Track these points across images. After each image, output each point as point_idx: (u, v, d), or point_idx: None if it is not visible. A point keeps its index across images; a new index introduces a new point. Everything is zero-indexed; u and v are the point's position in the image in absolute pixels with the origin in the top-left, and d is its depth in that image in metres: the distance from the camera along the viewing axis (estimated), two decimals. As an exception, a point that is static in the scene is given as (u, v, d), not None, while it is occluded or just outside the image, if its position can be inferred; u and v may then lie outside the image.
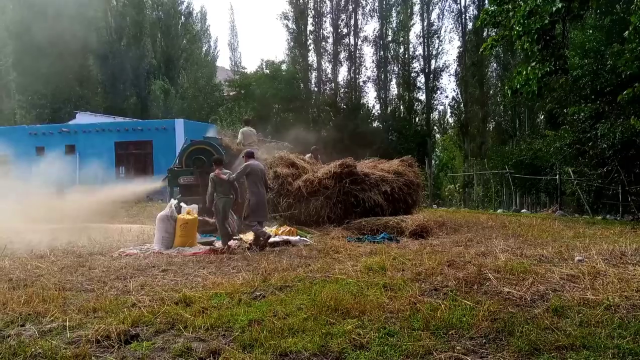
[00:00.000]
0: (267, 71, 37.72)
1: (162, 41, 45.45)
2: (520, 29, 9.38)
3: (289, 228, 10.34)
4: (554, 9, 8.66)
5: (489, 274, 6.02)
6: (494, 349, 3.90)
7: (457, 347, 3.92)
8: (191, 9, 49.64)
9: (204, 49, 50.12)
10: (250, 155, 9.50)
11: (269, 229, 10.27)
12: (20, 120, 36.63)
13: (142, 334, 4.33)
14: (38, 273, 6.82)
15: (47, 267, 7.23)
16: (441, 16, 40.05)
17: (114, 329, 4.27)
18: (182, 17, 48.19)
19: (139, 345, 4.10)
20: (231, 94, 39.87)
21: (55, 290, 5.68)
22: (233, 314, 4.78)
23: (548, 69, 9.42)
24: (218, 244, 9.25)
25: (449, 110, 41.84)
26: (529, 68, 9.62)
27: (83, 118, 28.78)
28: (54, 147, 25.56)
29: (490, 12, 10.25)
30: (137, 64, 42.18)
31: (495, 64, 37.28)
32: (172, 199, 10.16)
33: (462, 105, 38.98)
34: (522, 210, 20.69)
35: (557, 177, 18.94)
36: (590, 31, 16.85)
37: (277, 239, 9.43)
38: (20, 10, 37.05)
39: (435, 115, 42.54)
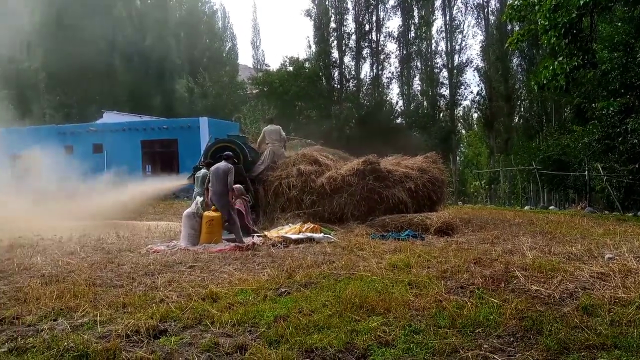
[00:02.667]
0: (290, 68, 37.81)
1: (186, 40, 45.96)
2: (546, 23, 9.23)
3: (312, 225, 10.37)
4: (582, 2, 8.50)
5: (517, 272, 5.95)
6: (522, 347, 3.86)
7: (484, 346, 3.88)
8: (214, 8, 50.10)
9: (226, 48, 50.51)
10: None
11: (293, 226, 10.33)
12: (49, 119, 37.50)
13: (170, 329, 4.41)
14: (69, 269, 6.97)
15: (77, 263, 7.39)
16: (463, 11, 39.56)
17: (143, 324, 4.36)
18: (205, 16, 48.63)
19: (167, 340, 4.17)
20: (254, 91, 40.11)
21: (86, 286, 5.80)
22: (259, 310, 4.83)
23: (576, 63, 9.26)
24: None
25: (473, 106, 41.37)
26: (556, 63, 9.46)
27: (110, 117, 29.34)
28: (82, 146, 26.15)
29: (515, 7, 10.11)
30: (161, 63, 42.76)
31: (519, 58, 36.64)
32: (198, 197, 10.28)
33: (486, 101, 38.46)
34: (550, 207, 20.35)
35: (586, 173, 18.55)
36: (619, 24, 16.44)
37: (301, 236, 9.47)
38: (49, 13, 37.88)
39: (459, 110, 42.14)
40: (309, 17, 39.71)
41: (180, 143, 25.95)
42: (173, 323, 4.56)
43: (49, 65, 37.67)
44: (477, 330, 4.19)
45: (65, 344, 4.03)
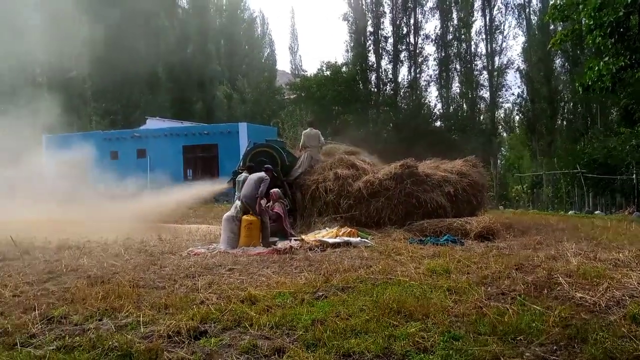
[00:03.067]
0: (327, 73, 37.97)
1: (225, 47, 46.84)
2: (591, 22, 8.96)
3: (349, 229, 10.35)
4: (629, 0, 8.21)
5: (560, 278, 5.77)
6: (566, 356, 3.75)
7: (526, 354, 3.79)
8: (253, 15, 50.87)
9: (265, 54, 51.19)
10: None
11: (330, 230, 10.34)
12: (95, 126, 38.87)
13: (210, 331, 4.49)
14: (114, 270, 7.19)
15: (121, 265, 7.62)
16: (503, 11, 38.82)
17: (184, 325, 4.45)
18: (245, 23, 49.44)
19: (207, 341, 4.25)
20: (292, 96, 40.48)
21: (130, 287, 5.97)
22: (296, 313, 4.86)
23: (622, 63, 8.96)
24: (280, 245, 9.41)
25: (515, 108, 40.47)
26: (602, 63, 9.17)
27: (153, 123, 30.18)
28: (126, 151, 26.98)
29: (558, 6, 9.87)
30: (202, 70, 43.71)
31: (563, 59, 35.64)
32: (237, 200, 10.45)
33: (528, 103, 37.55)
34: (596, 212, 19.65)
35: (634, 176, 17.84)
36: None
37: (338, 240, 9.47)
38: (95, 22, 39.32)
39: (500, 113, 41.30)
40: (346, 22, 39.81)
41: (220, 148, 26.45)
42: (213, 324, 4.65)
43: (95, 73, 39.07)
44: (518, 338, 4.09)
45: (110, 343, 4.16)
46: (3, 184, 13.44)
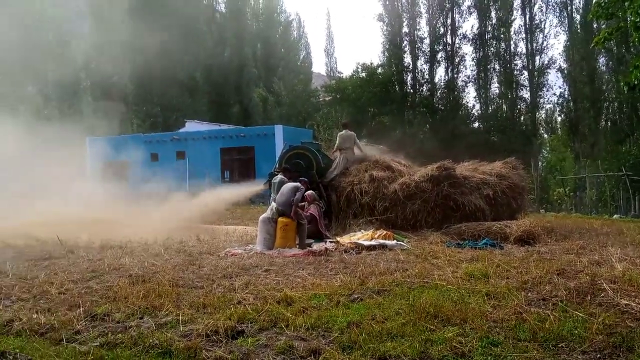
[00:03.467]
0: (363, 74, 37.85)
1: (262, 51, 47.37)
2: (638, 19, 8.63)
3: (385, 232, 10.28)
4: (679, -6, 7.88)
5: (604, 284, 5.58)
6: (611, 365, 3.63)
7: (568, 361, 3.69)
8: (290, 18, 51.27)
9: (301, 56, 51.50)
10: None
11: (365, 233, 10.31)
12: (136, 129, 39.95)
13: (247, 330, 4.55)
14: (154, 270, 7.36)
15: (161, 264, 7.80)
16: (544, 9, 37.76)
17: (222, 325, 4.53)
18: (281, 26, 49.88)
19: (244, 341, 4.31)
20: (327, 99, 40.54)
21: (169, 286, 6.11)
22: (332, 315, 4.87)
23: (672, 60, 8.59)
24: (316, 247, 9.45)
25: (556, 109, 39.37)
26: (649, 61, 8.82)
27: (192, 126, 30.78)
28: (166, 153, 27.63)
29: (602, 4, 9.55)
30: (239, 74, 44.33)
31: (606, 58, 34.45)
32: (273, 202, 10.54)
33: (571, 103, 36.46)
34: (643, 216, 18.90)
35: (685, 179, 17.08)
36: None
37: (373, 242, 9.43)
38: (135, 27, 40.44)
39: (541, 114, 40.22)
40: (381, 22, 39.59)
41: (256, 150, 26.75)
42: (250, 324, 4.71)
43: (136, 78, 40.16)
44: (560, 345, 3.98)
45: (151, 341, 4.28)
46: (49, 185, 13.98)
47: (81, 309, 5.23)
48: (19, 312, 5.16)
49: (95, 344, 4.30)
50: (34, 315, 5.01)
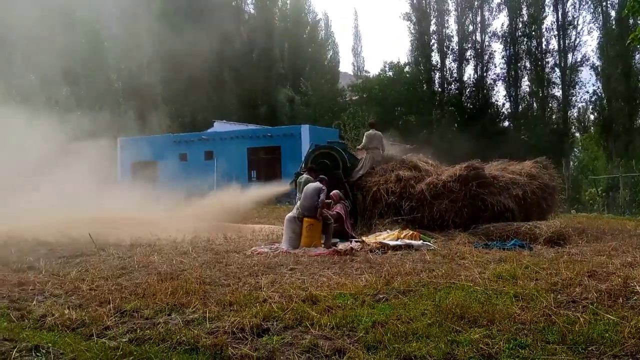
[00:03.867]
0: (390, 73, 37.61)
1: (289, 51, 47.52)
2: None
3: (411, 232, 10.20)
4: None
5: (637, 287, 5.42)
6: (644, 370, 3.52)
7: (599, 365, 3.60)
8: (317, 18, 51.31)
9: (328, 56, 51.44)
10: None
11: (391, 233, 10.25)
12: (166, 129, 40.60)
13: (272, 329, 4.58)
14: (182, 268, 7.48)
15: (189, 262, 7.91)
16: (577, 6, 36.86)
17: (247, 322, 4.57)
18: (309, 26, 49.94)
19: (270, 339, 4.34)
20: (354, 98, 40.43)
21: (197, 284, 6.18)
22: (357, 314, 4.86)
23: None
24: (341, 246, 9.44)
25: (589, 107, 38.39)
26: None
27: (220, 126, 31.08)
28: (194, 153, 28.01)
29: (638, -2, 9.26)
30: (266, 74, 44.59)
31: (642, 55, 33.46)
32: (299, 201, 10.58)
33: (604, 101, 35.50)
34: (680, 218, 18.27)
35: None
36: None
37: (399, 242, 9.37)
38: (165, 28, 41.11)
39: (573, 112, 39.30)
40: (408, 21, 39.29)
41: (283, 150, 26.85)
42: (275, 322, 4.74)
43: (165, 78, 40.80)
44: (590, 348, 3.89)
45: (178, 337, 4.34)
46: (80, 184, 14.32)
47: (111, 305, 5.35)
48: (52, 308, 5.30)
49: (125, 340, 4.39)
50: (66, 311, 5.14)
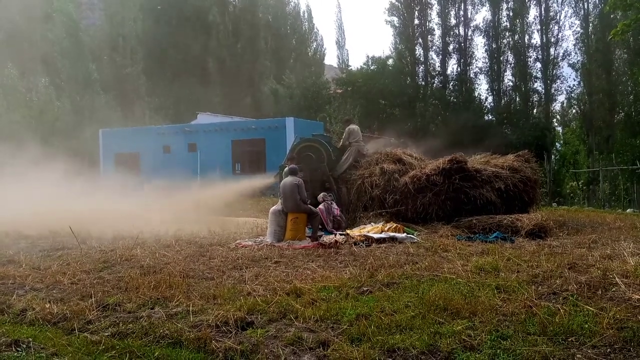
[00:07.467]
0: (373, 67, 37.61)
1: (274, 43, 47.24)
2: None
3: (395, 225, 10.27)
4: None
5: (616, 279, 5.52)
6: (620, 359, 3.59)
7: (578, 355, 3.67)
8: (298, 9, 51.09)
9: (312, 48, 51.28)
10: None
11: (375, 226, 10.30)
12: (149, 121, 40.13)
13: (256, 322, 4.59)
14: (165, 261, 7.44)
15: (172, 255, 7.87)
16: (559, 0, 37.19)
17: (231, 316, 4.57)
18: (291, 18, 49.69)
19: (254, 332, 4.35)
20: (338, 91, 40.39)
21: (180, 277, 6.17)
22: (341, 307, 4.88)
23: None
24: (326, 239, 9.46)
25: (571, 101, 38.88)
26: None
27: (203, 118, 30.81)
28: (178, 145, 27.75)
29: (619, -6, 9.38)
30: (251, 66, 44.31)
31: (622, 50, 33.88)
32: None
33: (585, 96, 35.98)
34: (657, 210, 18.66)
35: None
36: None
37: (383, 235, 9.42)
38: (149, 19, 40.54)
39: (555, 106, 39.75)
40: (391, 15, 39.29)
41: (267, 142, 26.72)
42: (259, 316, 4.74)
43: (148, 69, 40.32)
44: (569, 339, 3.96)
45: (161, 331, 4.33)
46: (61, 176, 14.12)
47: (93, 299, 5.30)
48: (32, 302, 5.23)
49: (107, 334, 4.36)
50: (47, 305, 5.08)
